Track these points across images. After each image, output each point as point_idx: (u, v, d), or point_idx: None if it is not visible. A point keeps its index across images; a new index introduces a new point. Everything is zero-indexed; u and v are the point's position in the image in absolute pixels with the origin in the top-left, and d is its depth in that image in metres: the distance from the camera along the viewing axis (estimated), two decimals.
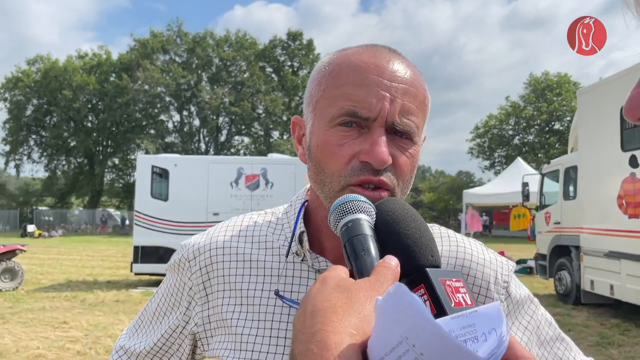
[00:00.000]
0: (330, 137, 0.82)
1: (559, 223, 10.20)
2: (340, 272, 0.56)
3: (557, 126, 45.54)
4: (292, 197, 0.99)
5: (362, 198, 0.69)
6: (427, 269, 0.59)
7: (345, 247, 0.63)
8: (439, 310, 0.55)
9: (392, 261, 0.57)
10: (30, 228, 34.73)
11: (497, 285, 0.90)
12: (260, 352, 0.87)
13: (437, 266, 0.63)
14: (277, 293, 0.88)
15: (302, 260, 0.90)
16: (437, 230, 0.96)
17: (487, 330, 0.46)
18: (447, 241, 0.94)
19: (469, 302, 0.58)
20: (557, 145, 42.63)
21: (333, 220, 0.68)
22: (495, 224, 38.12)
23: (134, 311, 8.94)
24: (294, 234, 0.90)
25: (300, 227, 0.90)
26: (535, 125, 46.47)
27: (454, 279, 0.59)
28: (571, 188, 9.85)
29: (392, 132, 0.81)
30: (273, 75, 51.61)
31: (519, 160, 20.08)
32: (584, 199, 8.99)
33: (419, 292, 0.58)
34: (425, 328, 0.41)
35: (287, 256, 0.91)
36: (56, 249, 24.02)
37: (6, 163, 50.28)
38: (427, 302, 0.56)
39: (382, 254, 0.61)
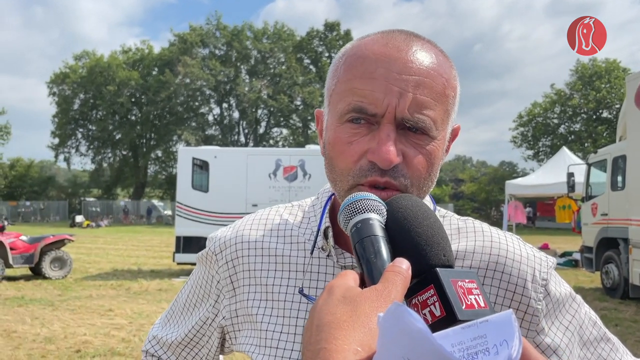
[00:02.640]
0: (340, 134, 0.78)
1: (606, 215, 9.87)
2: (349, 279, 0.54)
3: (605, 114, 43.89)
4: (320, 190, 0.97)
5: (373, 196, 0.66)
6: (437, 269, 0.57)
7: (355, 249, 0.61)
8: (449, 312, 0.53)
9: (403, 264, 0.54)
10: (79, 218, 36.06)
11: (534, 284, 0.84)
12: (285, 349, 0.85)
13: (450, 266, 0.60)
14: (301, 291, 0.86)
15: (327, 256, 0.88)
16: (470, 224, 0.91)
17: (499, 341, 0.44)
18: (480, 236, 0.88)
19: (482, 304, 0.55)
20: (605, 134, 41.10)
21: (343, 221, 0.65)
22: (540, 215, 37.22)
23: None
24: (319, 229, 0.88)
25: (326, 222, 0.88)
26: (582, 113, 44.92)
27: (466, 280, 0.57)
28: (619, 178, 9.53)
29: (404, 128, 0.75)
30: (311, 67, 51.66)
31: (565, 149, 19.38)
32: (633, 190, 8.63)
33: (428, 293, 0.55)
34: (426, 349, 0.40)
35: (312, 252, 0.89)
36: (103, 238, 24.86)
37: (56, 156, 52.36)
38: (437, 304, 0.54)
39: (393, 253, 0.59)
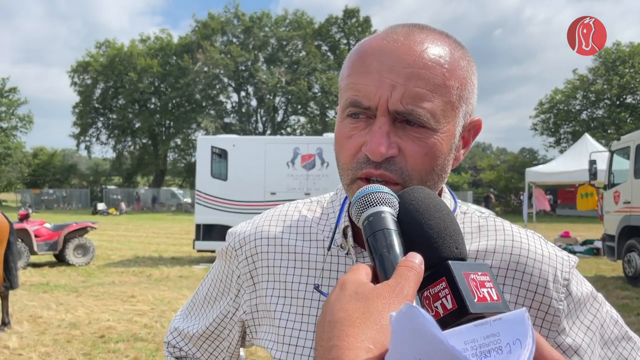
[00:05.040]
0: (342, 129, 0.79)
1: (629, 202, 9.71)
2: (361, 274, 0.54)
3: (629, 100, 42.91)
4: (339, 185, 0.97)
5: (385, 189, 0.65)
6: (449, 261, 0.57)
7: (367, 242, 0.60)
8: (460, 305, 0.53)
9: (416, 259, 0.54)
10: (100, 206, 36.55)
11: (556, 284, 0.83)
12: (304, 347, 0.86)
13: (463, 259, 0.59)
14: (317, 288, 0.87)
15: (346, 254, 0.88)
16: (491, 222, 0.89)
17: (512, 340, 0.44)
18: (501, 234, 0.87)
19: (495, 298, 0.55)
20: (628, 121, 40.22)
21: (355, 214, 0.65)
22: (560, 203, 36.69)
23: (196, 287, 9.32)
24: (337, 225, 0.88)
25: (345, 220, 0.87)
26: (605, 99, 43.95)
27: (479, 273, 0.56)
28: None
29: (402, 121, 0.75)
30: (329, 54, 51.37)
31: (587, 136, 18.97)
32: None
33: (439, 285, 0.55)
34: (438, 350, 0.40)
35: (329, 249, 0.89)
36: (124, 226, 25.21)
37: (77, 145, 53.14)
38: (449, 297, 0.54)
39: (405, 245, 0.59)
